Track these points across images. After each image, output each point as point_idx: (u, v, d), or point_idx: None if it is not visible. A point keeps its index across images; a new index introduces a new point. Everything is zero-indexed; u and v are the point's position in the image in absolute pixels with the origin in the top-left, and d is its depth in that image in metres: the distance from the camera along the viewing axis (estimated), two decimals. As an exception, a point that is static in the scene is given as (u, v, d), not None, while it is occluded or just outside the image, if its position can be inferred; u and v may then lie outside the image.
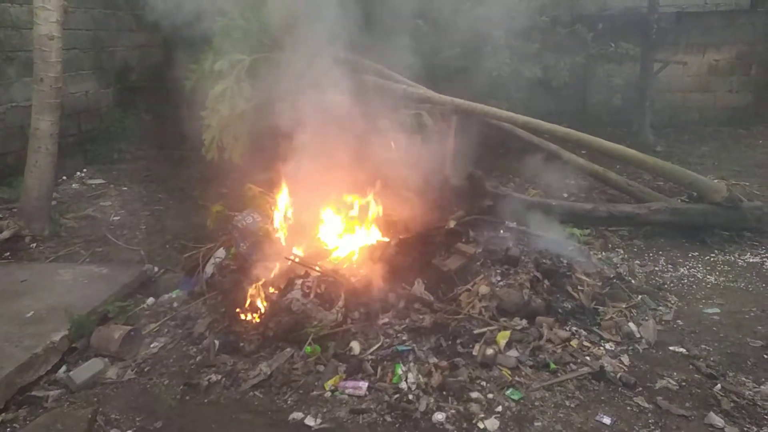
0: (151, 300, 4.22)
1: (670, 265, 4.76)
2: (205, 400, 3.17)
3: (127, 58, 8.90)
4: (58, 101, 5.25)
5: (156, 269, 4.67)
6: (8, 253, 5.02)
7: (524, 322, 3.69)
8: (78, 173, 7.37)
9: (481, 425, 2.91)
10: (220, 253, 4.44)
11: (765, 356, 3.50)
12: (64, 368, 3.44)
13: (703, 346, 3.61)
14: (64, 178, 7.06)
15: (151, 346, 3.67)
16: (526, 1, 6.84)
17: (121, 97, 8.69)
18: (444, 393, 3.13)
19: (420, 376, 3.25)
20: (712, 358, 3.47)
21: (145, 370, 3.44)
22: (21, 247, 5.14)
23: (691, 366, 3.40)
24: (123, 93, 8.73)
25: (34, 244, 5.20)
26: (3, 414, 3.04)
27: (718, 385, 3.20)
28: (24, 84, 6.64)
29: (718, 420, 2.92)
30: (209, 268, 4.31)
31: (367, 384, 3.19)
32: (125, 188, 6.96)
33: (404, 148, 4.62)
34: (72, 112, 7.57)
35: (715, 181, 5.65)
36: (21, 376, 3.21)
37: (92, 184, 7.06)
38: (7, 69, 6.62)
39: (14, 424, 3.00)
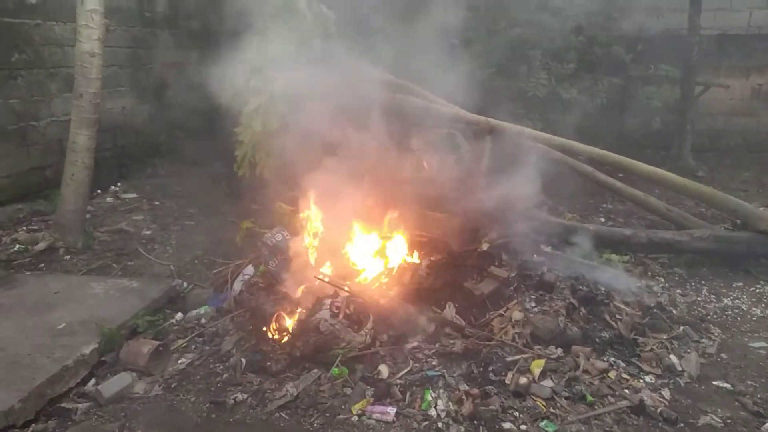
0: (179, 315, 4.21)
1: (713, 296, 4.57)
2: (231, 419, 3.12)
3: (164, 75, 9.09)
4: (96, 116, 5.35)
5: (185, 284, 4.68)
6: (43, 265, 5.10)
7: (559, 350, 3.57)
8: (112, 187, 7.50)
9: (514, 458, 2.79)
10: (249, 270, 4.43)
11: (817, 395, 3.30)
12: (93, 381, 3.44)
13: (749, 382, 3.43)
14: (99, 191, 7.19)
15: (179, 362, 3.65)
16: (562, 21, 6.77)
17: (156, 113, 8.87)
18: (475, 422, 3.02)
19: (450, 403, 3.15)
20: (759, 395, 3.29)
21: (173, 386, 3.42)
22: (55, 259, 5.21)
23: (736, 402, 3.23)
24: (158, 109, 8.91)
25: (68, 257, 5.27)
26: (33, 425, 3.05)
27: (766, 425, 3.02)
28: (64, 99, 6.82)
29: (767, 462, 2.75)
30: (237, 285, 4.30)
31: (395, 409, 3.10)
32: (157, 203, 7.04)
33: (437, 168, 4.56)
34: (109, 127, 7.74)
35: (761, 208, 5.43)
36: (52, 387, 3.22)
37: (126, 199, 7.17)
38: (49, 85, 6.81)
39: (43, 436, 3.00)
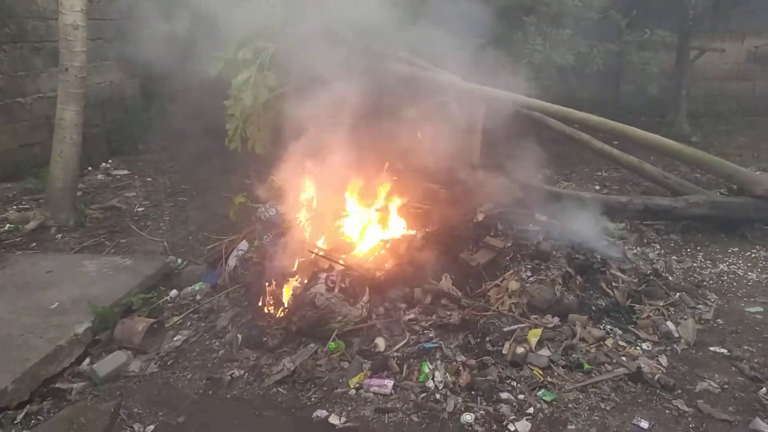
0: (174, 292, 4.18)
1: (708, 261, 4.57)
2: (228, 395, 3.12)
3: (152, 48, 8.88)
4: (83, 91, 5.25)
5: (179, 261, 4.65)
6: (34, 244, 5.06)
7: (556, 319, 3.57)
8: (103, 164, 7.42)
9: (511, 427, 2.80)
10: (243, 245, 4.39)
11: (813, 359, 3.31)
12: (87, 360, 3.42)
13: (745, 347, 3.44)
14: (90, 168, 7.12)
15: (174, 339, 3.63)
16: (558, -14, 6.61)
17: (146, 87, 8.71)
18: (473, 393, 3.03)
19: (447, 374, 3.15)
20: (756, 360, 3.30)
21: (168, 363, 3.41)
22: (47, 238, 5.17)
23: (733, 368, 3.24)
24: (148, 83, 8.74)
25: (60, 235, 5.22)
26: (28, 406, 3.03)
27: (764, 389, 3.05)
28: (50, 74, 6.68)
29: (764, 426, 2.77)
30: (232, 261, 4.26)
31: (392, 382, 3.10)
32: (149, 179, 6.97)
33: (431, 137, 4.49)
34: (97, 102, 7.61)
35: (757, 173, 5.40)
36: (45, 368, 3.20)
37: (117, 175, 7.10)
38: (34, 59, 6.66)
39: (38, 417, 3.00)
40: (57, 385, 3.19)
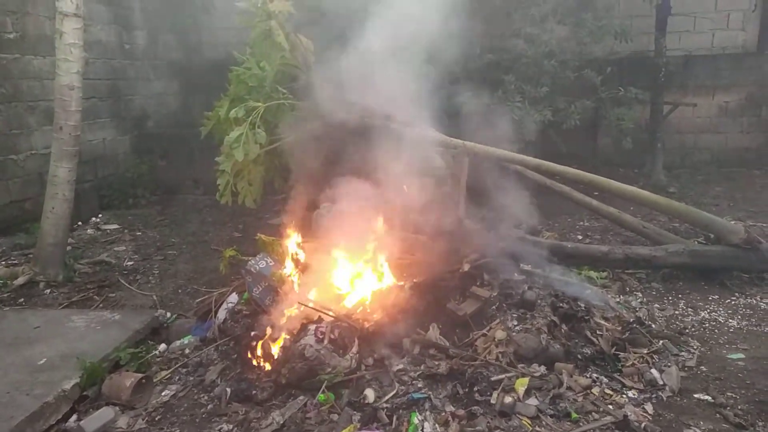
0: (162, 346, 4.17)
1: (690, 309, 4.66)
2: (217, 451, 3.10)
3: (144, 106, 9.13)
4: (76, 149, 5.36)
5: (168, 314, 4.65)
6: (22, 299, 5.04)
7: (543, 368, 3.60)
8: (93, 218, 7.46)
9: (501, 478, 2.81)
10: (233, 298, 4.42)
11: (795, 405, 3.37)
12: (74, 417, 3.38)
13: (729, 394, 3.48)
14: (80, 223, 7.15)
15: (162, 394, 3.61)
16: (534, 47, 6.96)
17: (137, 143, 8.90)
18: (462, 443, 3.04)
19: (437, 425, 3.16)
20: (739, 407, 3.34)
21: (156, 419, 3.38)
22: (35, 293, 5.15)
23: (717, 415, 3.27)
24: (139, 140, 8.94)
25: (48, 290, 5.21)
26: (12, 465, 2.99)
27: (748, 436, 3.07)
28: (43, 132, 6.81)
29: (749, 472, 2.80)
30: (221, 314, 4.28)
31: (382, 434, 3.10)
32: (139, 233, 7.01)
33: (417, 191, 4.63)
34: (89, 158, 7.74)
35: (732, 222, 5.58)
36: (31, 425, 3.16)
37: (107, 230, 7.13)
38: (28, 118, 6.80)
39: (22, 476, 2.95)
40: (43, 443, 3.15)
